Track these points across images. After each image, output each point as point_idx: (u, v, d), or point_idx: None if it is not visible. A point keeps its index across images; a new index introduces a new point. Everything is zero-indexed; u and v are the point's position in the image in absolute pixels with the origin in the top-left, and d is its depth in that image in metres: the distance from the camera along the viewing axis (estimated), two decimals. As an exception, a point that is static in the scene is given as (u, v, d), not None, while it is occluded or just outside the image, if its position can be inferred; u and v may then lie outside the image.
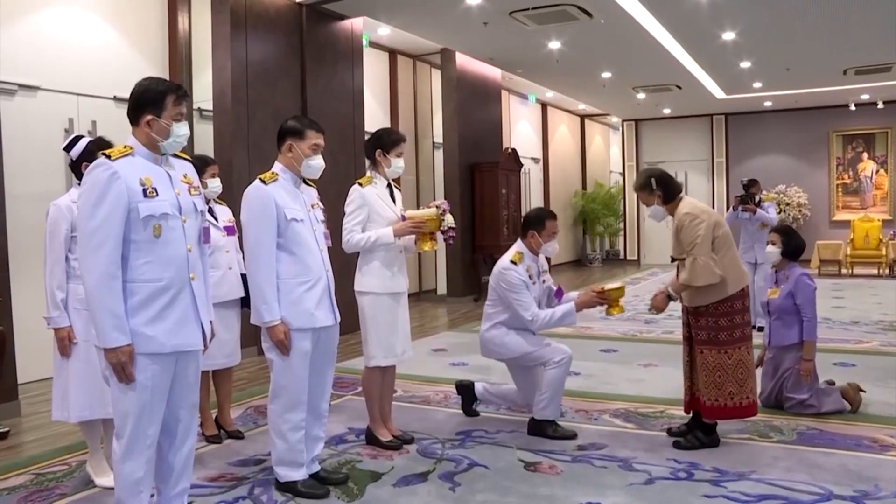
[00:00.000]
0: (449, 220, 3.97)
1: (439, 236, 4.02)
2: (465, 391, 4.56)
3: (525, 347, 4.16)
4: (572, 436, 4.09)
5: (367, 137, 4.12)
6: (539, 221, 4.24)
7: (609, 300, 4.05)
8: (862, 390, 4.55)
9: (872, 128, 14.35)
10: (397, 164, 3.97)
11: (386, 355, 3.91)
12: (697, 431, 3.93)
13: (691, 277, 3.79)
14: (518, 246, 4.28)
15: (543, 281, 4.35)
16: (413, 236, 3.94)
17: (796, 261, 4.62)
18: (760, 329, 5.51)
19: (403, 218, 3.93)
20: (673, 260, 4.05)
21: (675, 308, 4.48)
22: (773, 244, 4.65)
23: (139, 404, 2.57)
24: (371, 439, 4.03)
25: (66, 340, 3.36)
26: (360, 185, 3.91)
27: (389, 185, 4.00)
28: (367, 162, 4.02)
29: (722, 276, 3.78)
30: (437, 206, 3.94)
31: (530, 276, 4.19)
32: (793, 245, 4.60)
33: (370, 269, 3.88)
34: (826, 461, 3.66)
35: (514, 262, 4.17)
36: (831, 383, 4.61)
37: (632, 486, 3.41)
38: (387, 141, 3.97)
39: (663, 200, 3.96)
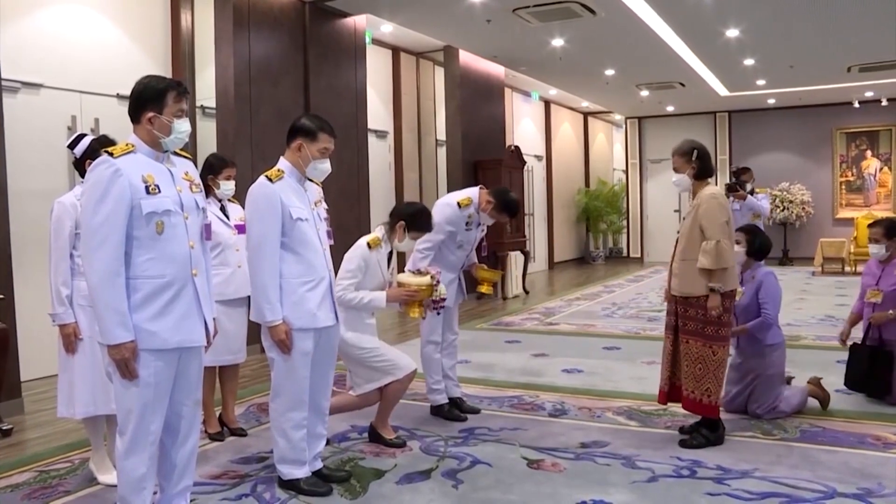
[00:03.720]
0: (441, 290, 3.94)
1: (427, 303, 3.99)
2: (440, 412, 4.53)
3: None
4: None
5: (402, 204, 4.14)
6: (501, 201, 4.46)
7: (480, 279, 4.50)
8: (819, 378, 4.59)
9: (876, 125, 14.31)
10: (409, 245, 4.00)
11: (403, 367, 3.89)
12: (703, 429, 3.92)
13: (714, 260, 3.75)
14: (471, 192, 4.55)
15: (483, 230, 4.62)
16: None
17: (762, 260, 4.55)
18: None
19: (390, 284, 3.96)
20: (675, 247, 4.02)
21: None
22: (738, 243, 4.51)
23: (142, 401, 2.58)
24: (375, 437, 4.03)
25: (71, 337, 3.36)
26: (370, 246, 3.83)
27: (391, 253, 4.00)
28: (384, 225, 3.97)
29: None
30: (431, 276, 3.90)
31: (468, 224, 4.44)
32: (758, 244, 4.51)
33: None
34: (829, 459, 3.65)
35: (460, 205, 4.41)
36: (789, 381, 4.60)
37: (635, 483, 3.41)
38: (417, 221, 3.93)
39: (695, 175, 3.97)
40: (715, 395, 3.85)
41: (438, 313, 4.17)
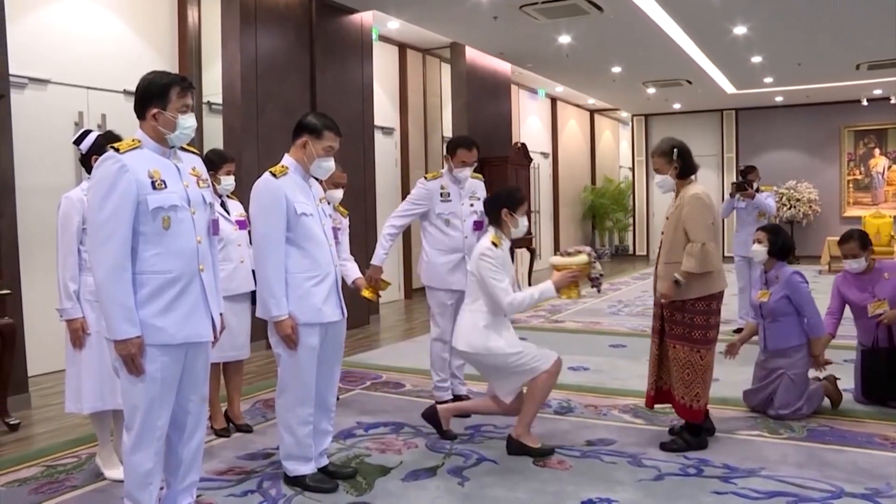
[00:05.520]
0: (598, 267, 3.86)
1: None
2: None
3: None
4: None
5: (490, 196, 4.06)
6: (450, 149, 4.60)
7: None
8: (837, 378, 4.53)
9: (885, 123, 14.24)
10: (524, 223, 3.90)
11: (548, 358, 3.82)
12: (684, 433, 3.86)
13: (700, 264, 3.65)
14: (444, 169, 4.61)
15: (472, 205, 4.56)
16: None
17: (784, 260, 4.47)
18: (738, 331, 5.34)
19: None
20: (659, 248, 3.93)
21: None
22: (759, 242, 4.47)
23: (149, 396, 2.58)
24: (517, 448, 3.77)
25: (79, 332, 3.36)
26: (495, 244, 3.79)
27: (511, 248, 3.94)
28: (490, 227, 3.91)
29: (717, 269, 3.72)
30: (587, 254, 3.82)
31: (444, 196, 4.50)
32: (780, 244, 4.44)
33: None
34: (837, 458, 3.63)
35: (426, 178, 4.46)
36: (818, 379, 4.51)
37: (641, 481, 3.40)
38: (515, 199, 3.89)
39: (678, 174, 3.87)
40: (704, 400, 3.79)
41: (599, 290, 4.08)
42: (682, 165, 3.86)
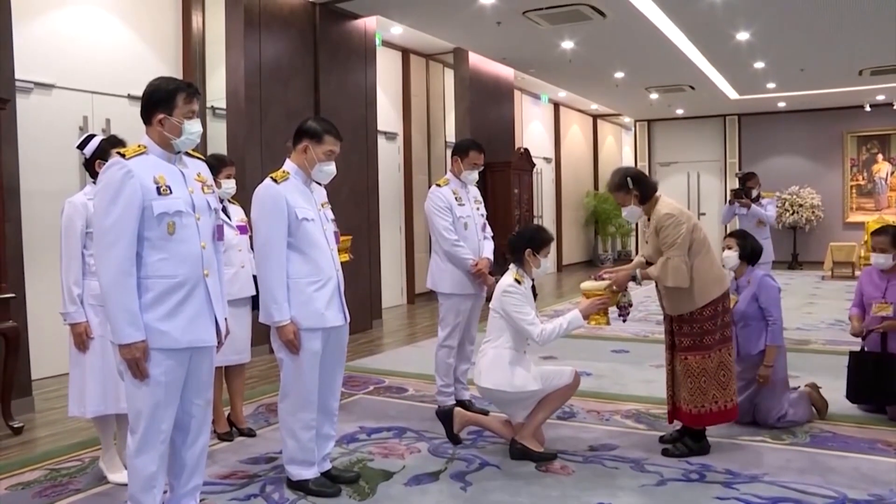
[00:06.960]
0: (629, 296, 3.88)
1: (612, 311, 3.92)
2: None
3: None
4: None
5: (516, 233, 4.05)
6: (462, 150, 4.65)
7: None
8: (820, 386, 4.50)
9: (888, 129, 14.23)
10: (545, 265, 3.90)
11: (565, 376, 3.88)
12: (686, 438, 3.85)
13: (662, 276, 3.69)
14: (449, 176, 4.66)
15: (477, 208, 4.66)
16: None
17: (755, 265, 4.46)
18: None
19: None
20: (648, 263, 3.92)
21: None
22: (730, 248, 4.45)
23: (153, 400, 2.60)
24: (520, 453, 3.79)
25: (83, 336, 3.38)
26: (518, 281, 3.81)
27: (533, 286, 3.94)
28: (512, 266, 3.90)
29: (690, 283, 3.67)
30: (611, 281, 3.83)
31: (458, 199, 4.53)
32: (749, 248, 4.43)
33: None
34: (840, 464, 3.63)
35: (439, 185, 4.54)
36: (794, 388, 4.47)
37: (644, 487, 3.40)
38: (540, 240, 3.88)
39: (640, 200, 3.83)
40: (722, 400, 3.76)
41: (624, 320, 4.08)
42: (641, 190, 3.83)
